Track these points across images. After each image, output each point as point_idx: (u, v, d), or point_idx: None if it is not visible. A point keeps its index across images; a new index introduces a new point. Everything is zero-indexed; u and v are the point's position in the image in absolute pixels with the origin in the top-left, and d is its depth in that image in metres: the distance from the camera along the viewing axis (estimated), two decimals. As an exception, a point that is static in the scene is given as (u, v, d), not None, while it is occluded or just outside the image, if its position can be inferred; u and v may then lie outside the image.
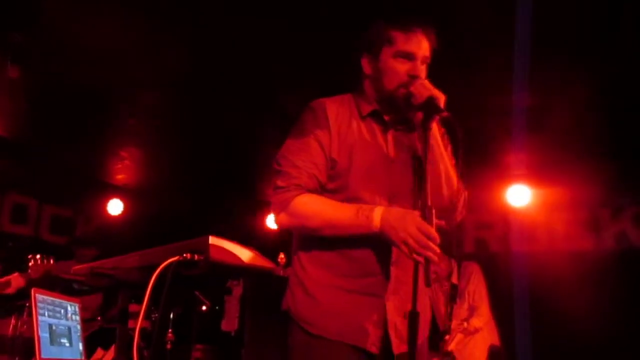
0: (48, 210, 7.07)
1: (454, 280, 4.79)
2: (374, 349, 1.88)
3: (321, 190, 1.95)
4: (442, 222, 1.81)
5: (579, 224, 6.36)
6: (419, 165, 1.86)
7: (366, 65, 2.04)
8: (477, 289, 4.74)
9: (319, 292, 1.93)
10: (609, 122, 4.91)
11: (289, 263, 4.97)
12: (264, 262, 1.91)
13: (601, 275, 5.72)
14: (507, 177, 6.22)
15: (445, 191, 1.93)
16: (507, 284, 5.95)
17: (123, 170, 7.08)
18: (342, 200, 1.91)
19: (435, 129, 1.89)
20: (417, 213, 1.76)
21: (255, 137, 5.81)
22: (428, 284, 1.71)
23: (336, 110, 2.00)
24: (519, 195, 6.28)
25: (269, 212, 7.79)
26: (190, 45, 4.23)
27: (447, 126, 1.89)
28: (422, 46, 1.95)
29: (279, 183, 1.93)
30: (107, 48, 4.24)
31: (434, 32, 1.99)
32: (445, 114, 1.80)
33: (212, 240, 1.70)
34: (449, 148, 2.02)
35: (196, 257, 1.68)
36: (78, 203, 7.33)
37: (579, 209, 6.39)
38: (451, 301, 4.74)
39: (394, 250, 1.88)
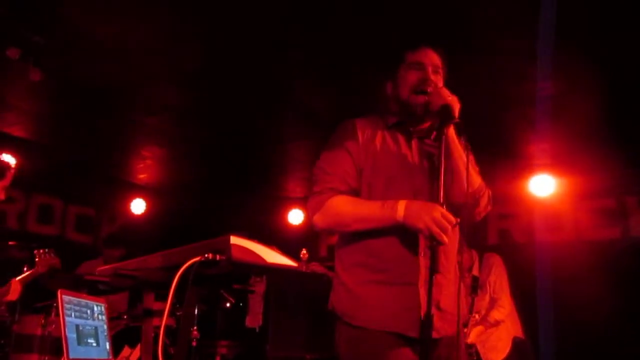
0: (73, 210, 7.17)
1: (475, 272, 4.76)
2: (412, 333, 2.05)
3: (353, 193, 2.19)
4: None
5: (605, 212, 6.25)
6: (436, 166, 2.07)
7: (389, 88, 2.34)
8: (497, 280, 4.69)
9: (358, 288, 2.15)
10: (633, 108, 4.81)
11: (311, 259, 5.01)
12: (285, 261, 1.91)
13: (628, 264, 5.62)
14: (530, 166, 6.14)
15: (467, 188, 2.11)
16: (531, 274, 5.88)
17: (145, 170, 7.14)
18: (374, 199, 2.14)
19: (452, 132, 2.12)
20: (438, 205, 2.00)
21: (277, 133, 5.81)
22: (437, 269, 1.98)
23: (364, 125, 2.28)
24: (543, 185, 6.21)
25: (291, 209, 7.81)
26: (211, 42, 4.22)
27: (457, 132, 2.14)
28: (429, 56, 2.26)
29: (315, 188, 2.21)
30: (127, 47, 4.26)
31: (440, 48, 2.29)
32: (456, 120, 2.05)
33: (234, 239, 1.70)
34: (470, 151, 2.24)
35: (218, 257, 1.68)
36: (102, 203, 7.43)
37: (605, 198, 6.28)
38: (472, 293, 4.72)
39: (421, 243, 2.10)
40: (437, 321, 2.07)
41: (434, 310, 2.04)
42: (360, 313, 2.11)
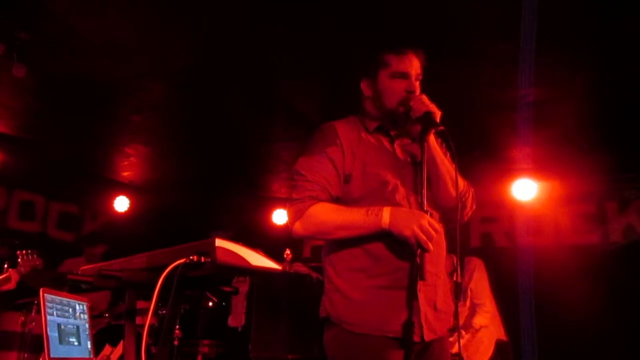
0: (55, 207, 7.11)
1: (456, 278, 4.79)
2: (414, 337, 2.02)
3: (333, 202, 2.15)
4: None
5: (586, 217, 6.34)
6: (419, 173, 2.07)
7: (365, 88, 2.29)
8: (478, 285, 4.72)
9: (357, 294, 2.10)
10: (615, 115, 4.88)
11: (294, 259, 5.02)
12: (269, 263, 1.92)
13: (608, 269, 5.71)
14: (512, 171, 6.20)
15: (453, 192, 2.14)
16: (513, 278, 5.95)
17: (129, 167, 7.09)
18: (366, 205, 2.09)
19: (433, 139, 2.14)
20: (424, 212, 2.02)
21: (262, 133, 5.81)
22: (422, 277, 1.98)
23: (345, 129, 2.23)
24: (525, 189, 6.27)
25: (274, 208, 7.81)
26: (198, 40, 4.21)
27: (443, 138, 2.16)
28: (414, 65, 2.22)
29: (294, 195, 2.16)
30: (112, 44, 4.23)
31: (422, 52, 2.25)
32: (440, 127, 2.06)
33: (219, 242, 1.71)
34: (448, 155, 2.24)
35: (203, 259, 1.69)
36: (85, 200, 7.37)
37: (585, 203, 6.37)
38: (456, 299, 4.74)
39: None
40: (433, 322, 2.09)
41: (430, 311, 2.08)
42: (360, 320, 2.06)
